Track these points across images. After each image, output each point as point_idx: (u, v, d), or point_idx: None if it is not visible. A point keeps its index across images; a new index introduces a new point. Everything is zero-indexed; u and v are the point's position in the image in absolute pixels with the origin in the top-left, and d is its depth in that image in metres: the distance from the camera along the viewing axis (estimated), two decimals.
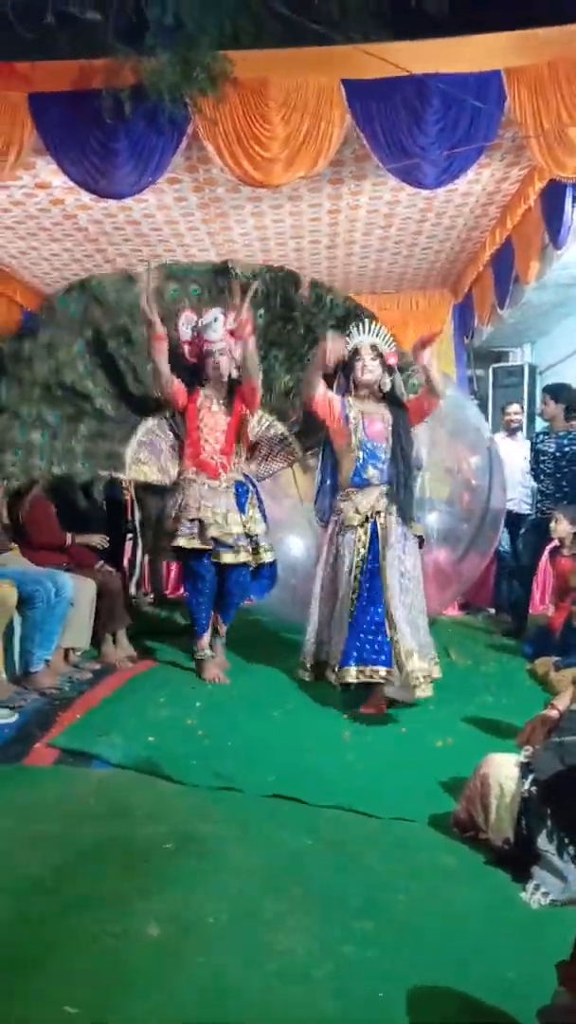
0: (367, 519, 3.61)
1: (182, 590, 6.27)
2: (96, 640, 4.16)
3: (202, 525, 3.84)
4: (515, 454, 5.44)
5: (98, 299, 4.16)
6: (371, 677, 3.37)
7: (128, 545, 5.81)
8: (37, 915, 1.91)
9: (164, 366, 3.90)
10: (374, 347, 3.75)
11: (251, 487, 4.10)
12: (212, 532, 3.83)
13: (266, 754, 2.94)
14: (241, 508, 3.97)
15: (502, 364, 8.36)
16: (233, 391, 4.04)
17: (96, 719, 3.29)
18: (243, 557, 3.92)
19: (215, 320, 3.95)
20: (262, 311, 4.29)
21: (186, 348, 4.06)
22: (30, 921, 1.89)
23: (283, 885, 2.06)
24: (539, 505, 4.99)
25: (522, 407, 6.57)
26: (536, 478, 5.05)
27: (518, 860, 2.13)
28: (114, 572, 4.38)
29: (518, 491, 5.38)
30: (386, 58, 3.99)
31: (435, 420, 4.21)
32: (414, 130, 4.07)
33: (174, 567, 6.34)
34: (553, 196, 4.86)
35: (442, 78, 3.99)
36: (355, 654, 3.40)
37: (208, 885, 2.05)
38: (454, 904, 2.00)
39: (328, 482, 3.89)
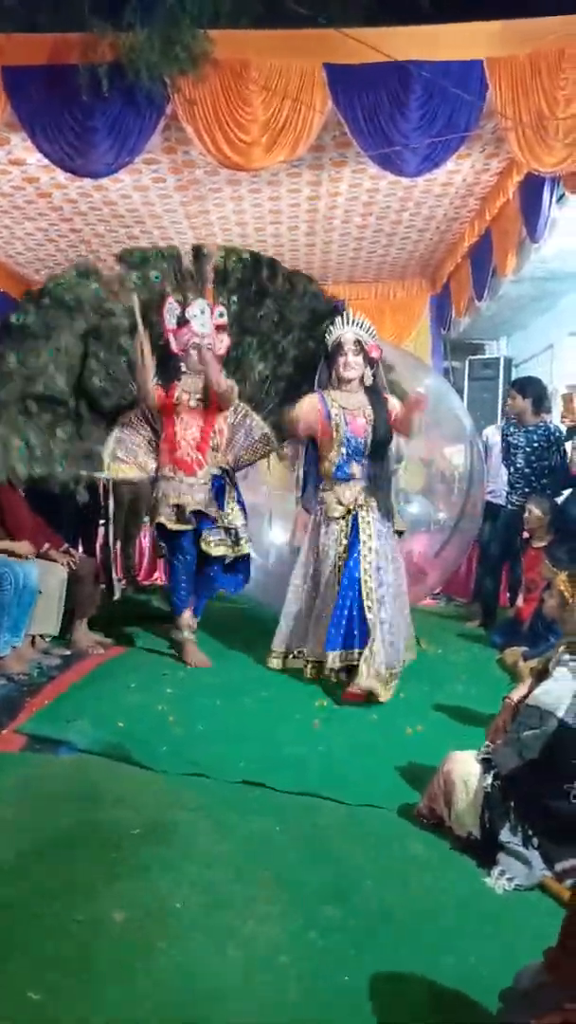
0: (349, 511, 3.71)
1: (154, 576, 6.28)
2: (67, 626, 4.12)
3: (180, 509, 3.90)
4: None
5: (59, 302, 4.03)
6: (349, 660, 3.50)
7: (101, 531, 5.77)
8: (3, 901, 1.89)
9: (149, 361, 3.88)
10: (357, 342, 3.75)
11: (228, 480, 4.11)
12: (191, 508, 3.89)
13: (236, 741, 2.94)
14: (220, 504, 4.01)
15: (478, 356, 8.40)
16: (209, 387, 4.00)
17: (65, 705, 3.26)
18: (220, 550, 3.97)
19: (202, 312, 3.90)
20: (235, 297, 4.22)
21: (171, 337, 3.99)
22: None
23: (251, 872, 2.06)
24: (509, 497, 5.02)
25: (497, 400, 6.62)
26: (507, 470, 5.07)
27: (483, 848, 2.15)
28: (78, 558, 4.28)
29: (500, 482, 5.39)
30: (369, 43, 3.95)
31: None
32: (396, 117, 4.04)
33: (147, 553, 6.32)
34: (531, 189, 4.87)
35: (424, 65, 3.97)
36: (338, 640, 3.52)
37: (175, 872, 2.04)
38: (421, 891, 2.01)
39: (312, 474, 3.93)
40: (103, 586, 4.61)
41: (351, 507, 3.71)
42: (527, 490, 4.82)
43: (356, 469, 3.74)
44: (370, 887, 2.01)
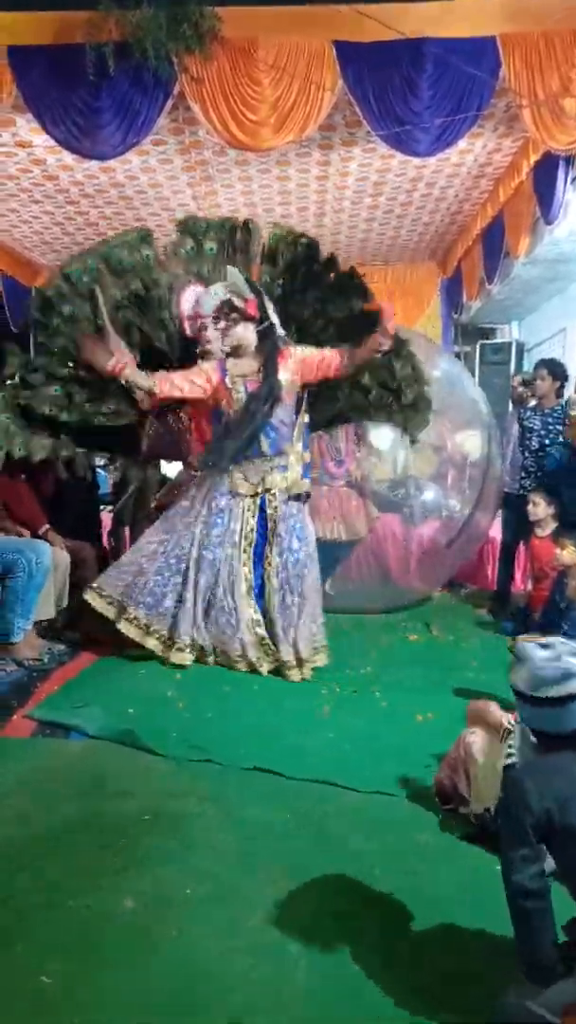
0: (256, 493, 3.59)
1: None
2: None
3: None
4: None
5: (111, 261, 3.91)
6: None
7: (108, 518, 5.76)
8: (13, 888, 1.90)
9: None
10: (229, 304, 3.59)
11: None
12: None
13: (245, 727, 2.94)
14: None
15: (489, 341, 8.31)
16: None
17: (75, 691, 3.27)
18: None
19: (214, 295, 3.78)
20: (282, 280, 4.05)
21: (186, 324, 3.90)
22: (5, 894, 1.88)
23: (259, 860, 2.05)
24: (522, 482, 4.98)
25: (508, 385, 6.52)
26: (522, 455, 5.02)
27: (496, 832, 2.13)
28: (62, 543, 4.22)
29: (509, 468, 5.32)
30: (380, 20, 3.87)
31: None
32: (407, 95, 3.96)
33: None
34: (546, 170, 4.78)
35: (436, 42, 3.88)
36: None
37: (183, 859, 2.04)
38: (430, 879, 2.01)
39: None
40: None
41: (258, 489, 3.59)
42: (539, 475, 4.78)
43: (265, 443, 3.56)
44: (379, 875, 2.00)
